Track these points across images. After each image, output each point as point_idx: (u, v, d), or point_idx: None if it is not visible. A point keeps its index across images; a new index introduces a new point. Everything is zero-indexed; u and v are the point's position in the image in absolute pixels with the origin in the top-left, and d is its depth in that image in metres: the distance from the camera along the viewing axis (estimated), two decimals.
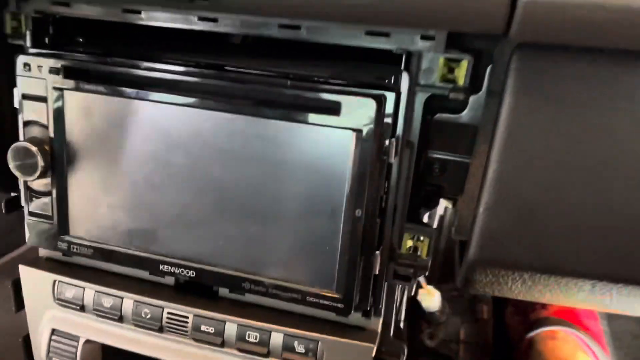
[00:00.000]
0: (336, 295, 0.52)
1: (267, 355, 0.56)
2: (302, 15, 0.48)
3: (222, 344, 0.57)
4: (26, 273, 0.63)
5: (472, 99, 0.54)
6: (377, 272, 0.53)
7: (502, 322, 1.35)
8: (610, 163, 0.46)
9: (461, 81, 0.50)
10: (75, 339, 0.62)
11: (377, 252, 0.52)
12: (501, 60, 0.49)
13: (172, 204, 0.55)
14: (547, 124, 0.47)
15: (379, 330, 0.56)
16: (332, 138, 0.49)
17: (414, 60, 0.49)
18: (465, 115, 0.54)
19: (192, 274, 0.56)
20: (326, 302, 0.53)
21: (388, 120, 0.49)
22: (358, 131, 0.47)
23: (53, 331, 0.63)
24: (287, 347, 0.55)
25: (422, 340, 1.38)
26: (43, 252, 0.65)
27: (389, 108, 0.49)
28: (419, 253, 0.56)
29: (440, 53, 0.49)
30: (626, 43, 0.42)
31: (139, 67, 0.53)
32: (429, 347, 1.38)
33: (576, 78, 0.45)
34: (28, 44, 0.57)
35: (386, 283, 0.55)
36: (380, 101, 0.47)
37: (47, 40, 0.58)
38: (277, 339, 0.55)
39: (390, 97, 0.49)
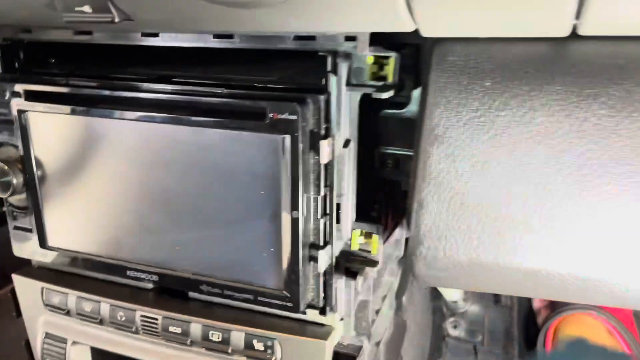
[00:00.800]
0: (285, 294, 0.54)
1: (231, 353, 0.58)
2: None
3: (190, 344, 0.60)
4: (19, 282, 0.68)
5: (415, 93, 0.54)
6: (321, 271, 0.54)
7: (527, 308, 1.32)
8: (529, 153, 0.45)
9: (390, 78, 0.50)
10: (64, 341, 0.66)
11: (322, 250, 0.53)
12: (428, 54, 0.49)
13: (132, 214, 0.58)
14: (468, 116, 0.46)
15: (335, 326, 0.57)
16: (263, 144, 0.50)
17: (341, 61, 0.50)
18: (408, 110, 0.54)
19: (156, 278, 0.59)
20: (277, 302, 0.54)
21: (318, 122, 0.50)
22: (285, 135, 0.49)
23: (45, 334, 0.68)
24: (248, 345, 0.57)
25: (446, 330, 1.38)
26: (35, 261, 0.70)
27: (320, 110, 0.50)
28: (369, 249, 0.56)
29: (366, 52, 0.49)
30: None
31: (90, 87, 0.56)
32: (453, 336, 1.37)
33: (493, 70, 0.45)
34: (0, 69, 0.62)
35: (338, 280, 0.56)
36: (304, 104, 0.48)
37: (17, 64, 0.62)
38: (238, 337, 0.58)
39: (319, 99, 0.49)
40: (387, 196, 0.62)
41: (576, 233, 0.46)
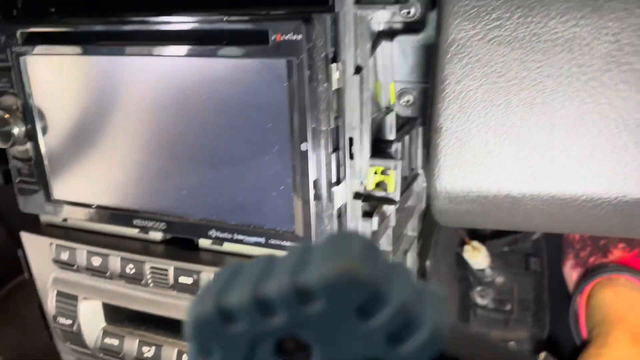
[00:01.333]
0: (297, 235, 0.51)
1: None
2: None
3: None
4: (28, 239, 0.67)
5: (430, 16, 0.49)
6: (335, 210, 0.51)
7: (558, 277, 1.27)
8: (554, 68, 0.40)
9: None
10: (75, 298, 0.65)
11: (335, 187, 0.50)
12: None
13: (137, 160, 0.55)
14: (491, 30, 0.42)
15: None
16: (267, 70, 0.46)
17: None
18: (424, 34, 0.50)
19: (164, 226, 0.57)
20: (288, 243, 0.51)
21: (326, 45, 0.46)
22: (290, 58, 0.45)
23: (57, 293, 0.66)
24: None
25: (474, 299, 1.34)
26: (43, 218, 0.68)
27: (327, 32, 0.46)
28: (386, 188, 0.52)
29: None
30: None
31: (87, 23, 0.53)
32: (481, 305, 1.33)
33: None
34: None
35: (354, 221, 0.53)
36: (310, 24, 0.44)
37: (15, 12, 0.60)
38: None
39: (325, 18, 0.45)
40: (410, 138, 0.59)
41: (612, 153, 0.42)
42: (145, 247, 0.61)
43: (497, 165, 0.45)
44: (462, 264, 1.32)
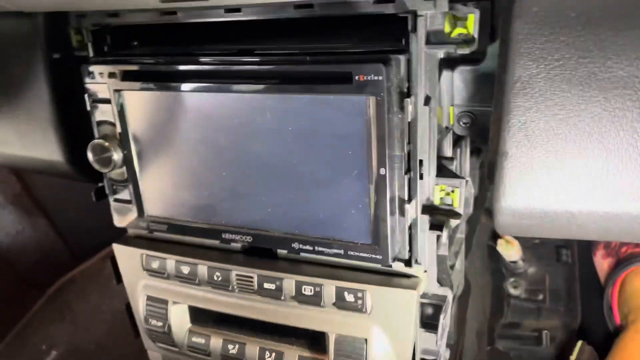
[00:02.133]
0: (374, 247, 0.57)
1: (323, 305, 0.62)
2: None
3: (284, 298, 0.64)
4: (119, 250, 0.75)
5: (490, 48, 0.55)
6: (408, 224, 0.57)
7: (589, 268, 1.32)
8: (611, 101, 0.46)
9: (471, 32, 0.52)
10: (165, 302, 0.72)
11: (407, 205, 0.56)
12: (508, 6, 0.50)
13: (225, 180, 0.62)
14: (553, 69, 0.48)
15: (421, 277, 0.60)
16: (349, 106, 0.53)
17: (421, 20, 0.52)
18: (484, 65, 0.56)
19: (250, 239, 0.64)
20: (366, 254, 0.58)
21: (401, 82, 0.52)
22: (371, 96, 0.51)
23: (147, 297, 0.74)
24: (339, 297, 0.61)
25: (507, 290, 1.39)
26: (131, 231, 0.76)
27: (402, 70, 0.52)
28: (450, 203, 0.59)
29: (444, 9, 0.51)
30: None
31: (180, 63, 0.60)
32: (514, 295, 1.38)
33: (574, 18, 0.46)
34: (91, 53, 0.66)
35: (422, 233, 0.59)
36: (389, 65, 0.51)
37: (106, 48, 0.67)
38: (329, 290, 0.62)
39: (401, 59, 0.52)
40: (461, 152, 0.65)
41: None
42: (229, 257, 0.68)
43: (557, 186, 0.51)
44: (495, 256, 1.37)
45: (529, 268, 1.38)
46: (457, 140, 0.63)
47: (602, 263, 1.29)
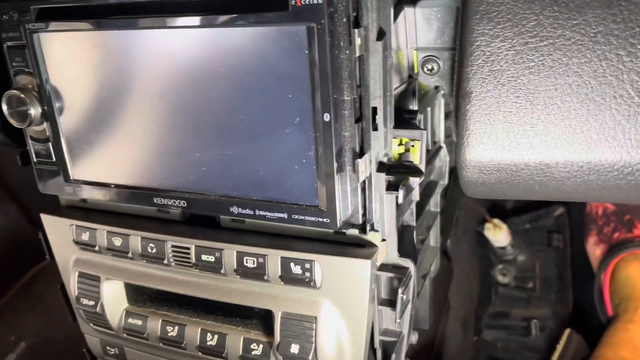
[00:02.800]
0: (321, 209, 0.49)
1: (267, 279, 0.54)
2: None
3: (224, 272, 0.56)
4: (48, 221, 0.66)
5: None
6: (360, 182, 0.49)
7: (581, 253, 1.25)
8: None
9: None
10: (97, 279, 0.64)
11: (359, 159, 0.48)
12: None
13: (155, 135, 0.54)
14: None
15: (379, 246, 0.53)
16: (286, 38, 0.45)
17: None
18: None
19: (184, 203, 0.56)
20: (312, 218, 0.50)
21: (347, 9, 0.44)
22: (310, 24, 0.43)
23: (78, 274, 0.66)
24: (285, 270, 0.53)
25: (495, 277, 1.32)
26: (63, 200, 0.68)
27: None
28: (410, 159, 0.51)
29: None
30: None
31: None
32: (502, 283, 1.31)
33: None
34: None
35: (379, 194, 0.51)
36: None
37: None
38: (274, 262, 0.54)
39: None
40: (432, 111, 0.57)
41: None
42: (166, 227, 0.60)
43: (530, 132, 0.43)
44: (483, 242, 1.30)
45: (518, 254, 1.32)
46: (425, 94, 0.55)
47: (594, 249, 1.22)
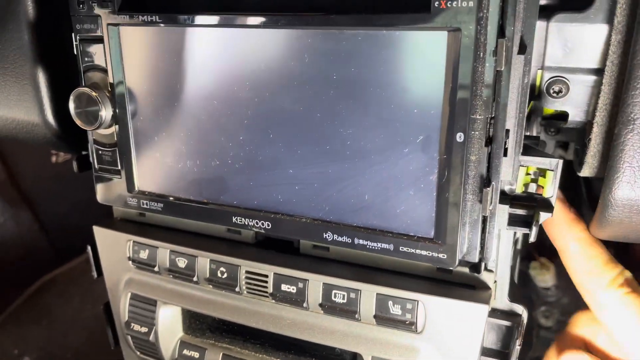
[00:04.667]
0: (436, 243, 0.43)
1: (358, 317, 0.48)
2: None
3: (306, 305, 0.49)
4: (101, 235, 0.60)
5: None
6: (486, 214, 0.43)
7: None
8: None
9: None
10: (153, 302, 0.57)
11: (487, 189, 0.42)
12: None
13: (242, 146, 0.48)
14: None
15: (492, 287, 0.46)
16: (421, 44, 0.39)
17: None
18: (591, 13, 0.42)
19: (268, 225, 0.49)
20: (424, 252, 0.43)
21: (494, 14, 0.38)
22: (454, 30, 0.37)
23: (131, 296, 0.59)
24: (381, 308, 0.47)
25: (537, 319, 1.25)
26: (117, 212, 0.61)
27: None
28: (537, 191, 0.44)
29: None
30: None
31: None
32: (544, 326, 1.24)
33: None
34: None
35: (498, 229, 0.45)
36: None
37: None
38: (369, 298, 0.47)
39: None
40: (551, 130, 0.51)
41: None
42: (239, 249, 0.54)
43: None
44: (526, 281, 1.23)
45: (562, 297, 1.25)
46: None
47: None
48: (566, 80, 0.46)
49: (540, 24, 0.45)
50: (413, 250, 0.44)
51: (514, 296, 0.48)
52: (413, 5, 0.38)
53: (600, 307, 0.46)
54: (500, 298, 0.48)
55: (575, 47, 0.45)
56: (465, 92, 0.38)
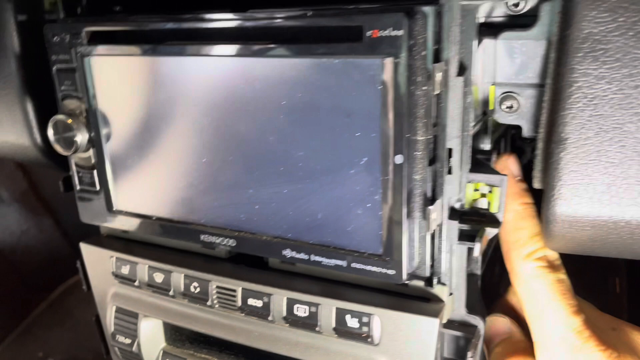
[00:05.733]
0: (384, 260, 0.44)
1: (319, 330, 0.50)
2: None
3: (271, 318, 0.52)
4: (87, 251, 0.63)
5: (544, 6, 0.42)
6: (430, 231, 0.44)
7: (638, 299, 1.16)
8: None
9: None
10: (135, 315, 0.60)
11: (431, 206, 0.43)
12: None
13: (206, 168, 0.50)
14: (637, 23, 0.35)
15: (445, 301, 0.47)
16: (358, 71, 0.41)
17: None
18: (535, 30, 0.43)
19: (233, 242, 0.51)
20: (373, 268, 0.45)
21: (427, 40, 0.40)
22: (386, 57, 0.39)
23: (116, 309, 0.62)
24: (340, 321, 0.48)
25: None
26: (104, 229, 0.65)
27: (430, 27, 0.40)
28: (486, 207, 0.46)
29: None
30: None
31: (156, 21, 0.49)
32: None
33: None
34: (61, 15, 0.56)
35: (450, 244, 0.46)
36: (412, 17, 0.38)
37: (79, 10, 0.57)
38: (327, 312, 0.49)
39: (429, 12, 0.39)
40: (499, 148, 0.52)
41: None
42: (211, 264, 0.56)
43: (636, 187, 0.37)
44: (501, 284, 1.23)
45: None
46: (495, 132, 0.50)
47: None
48: (516, 96, 0.47)
49: (489, 42, 0.46)
50: (364, 267, 0.46)
51: (472, 307, 0.50)
52: (349, 36, 0.40)
53: (516, 277, 0.47)
54: (458, 309, 0.49)
55: (523, 64, 0.46)
56: (401, 116, 0.40)
